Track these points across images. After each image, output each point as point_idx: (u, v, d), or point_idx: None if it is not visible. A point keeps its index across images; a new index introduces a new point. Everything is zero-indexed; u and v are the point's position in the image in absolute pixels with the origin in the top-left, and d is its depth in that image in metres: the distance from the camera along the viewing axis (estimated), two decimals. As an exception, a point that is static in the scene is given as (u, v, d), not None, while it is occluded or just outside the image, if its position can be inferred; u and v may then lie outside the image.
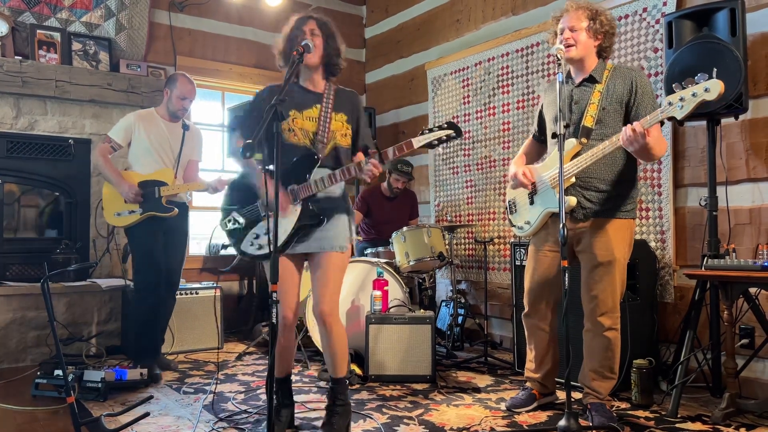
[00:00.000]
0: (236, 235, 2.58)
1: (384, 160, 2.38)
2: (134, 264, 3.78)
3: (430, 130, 2.35)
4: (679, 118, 2.37)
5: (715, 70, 2.31)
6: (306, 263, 2.67)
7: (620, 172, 2.69)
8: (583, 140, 2.64)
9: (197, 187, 3.77)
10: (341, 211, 2.56)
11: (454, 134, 2.35)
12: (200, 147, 3.98)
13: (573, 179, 2.65)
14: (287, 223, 2.46)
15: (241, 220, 2.57)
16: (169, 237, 3.73)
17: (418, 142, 2.35)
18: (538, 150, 3.07)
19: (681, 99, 2.33)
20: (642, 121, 2.42)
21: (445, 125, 2.35)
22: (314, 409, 2.91)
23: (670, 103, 2.35)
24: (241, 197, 2.60)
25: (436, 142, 2.35)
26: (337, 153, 2.54)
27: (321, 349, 3.67)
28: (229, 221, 2.60)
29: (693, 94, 2.30)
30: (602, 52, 2.76)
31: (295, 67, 2.37)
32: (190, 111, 4.99)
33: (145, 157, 3.69)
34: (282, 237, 2.45)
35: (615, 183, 2.68)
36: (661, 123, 2.64)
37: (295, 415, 2.77)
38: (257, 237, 2.53)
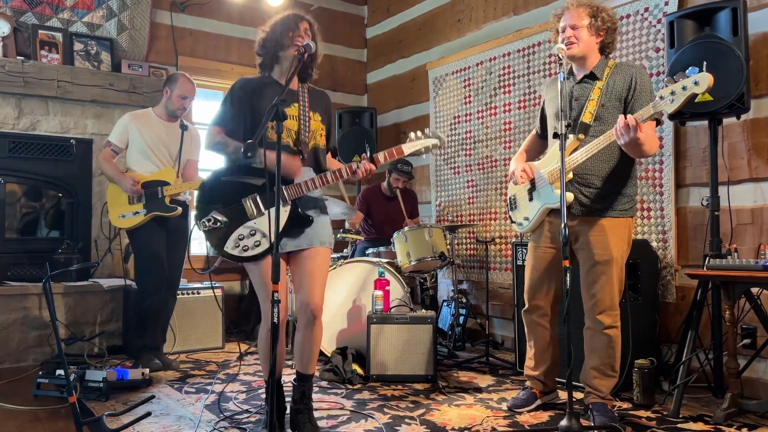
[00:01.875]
0: (217, 235, 2.42)
1: (376, 163, 2.43)
2: (136, 264, 3.80)
3: (417, 138, 2.45)
4: (669, 112, 2.37)
5: (705, 63, 2.32)
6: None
7: (618, 169, 2.69)
8: (581, 136, 2.65)
9: (197, 186, 3.76)
10: (323, 210, 2.59)
11: (438, 143, 2.47)
12: (198, 147, 4.00)
13: (571, 175, 2.64)
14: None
15: (224, 219, 2.41)
16: (171, 237, 3.76)
17: (408, 148, 2.44)
18: (540, 146, 3.08)
19: (672, 93, 2.33)
20: (636, 115, 2.42)
21: (430, 133, 2.45)
22: (316, 409, 2.90)
23: (661, 97, 2.36)
24: (222, 195, 2.44)
25: (423, 150, 2.45)
26: (317, 153, 2.54)
27: (322, 348, 3.69)
28: (209, 220, 2.40)
29: (683, 88, 2.31)
30: (605, 49, 2.76)
31: (296, 67, 2.37)
32: (191, 110, 5.04)
33: (142, 158, 3.70)
34: (270, 237, 2.40)
35: (612, 179, 2.68)
36: (658, 123, 2.64)
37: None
38: (242, 238, 2.40)
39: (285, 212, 2.39)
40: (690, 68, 2.33)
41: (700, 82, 2.27)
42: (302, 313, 2.47)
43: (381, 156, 2.41)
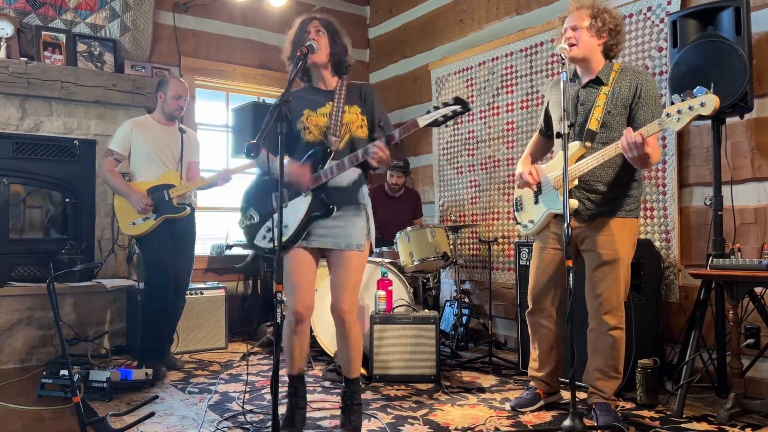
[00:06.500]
0: (252, 231, 2.61)
1: (390, 142, 2.36)
2: (144, 268, 3.81)
3: (436, 108, 2.31)
4: (675, 130, 2.39)
5: (713, 84, 2.33)
6: (323, 260, 2.65)
7: (623, 174, 2.68)
8: (587, 143, 2.64)
9: (203, 183, 3.80)
10: (358, 208, 2.54)
11: (460, 109, 2.28)
12: (198, 149, 4.03)
13: (576, 181, 2.65)
14: (297, 213, 2.48)
15: (256, 215, 2.60)
16: (179, 239, 3.75)
17: (423, 120, 2.32)
18: (544, 146, 3.07)
19: (678, 111, 2.35)
20: (642, 131, 2.42)
21: (451, 101, 2.30)
22: (319, 409, 2.91)
23: (668, 115, 2.37)
24: (257, 194, 2.62)
25: (441, 119, 2.30)
26: (354, 145, 2.51)
27: (324, 348, 3.69)
28: (247, 218, 2.63)
29: (690, 108, 2.32)
30: (609, 51, 2.73)
31: (299, 66, 2.38)
32: (194, 111, 5.06)
33: (147, 163, 3.70)
34: (293, 227, 2.47)
35: (618, 185, 2.68)
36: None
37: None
38: (269, 230, 2.55)
39: (306, 200, 2.48)
40: (697, 88, 2.33)
41: (706, 103, 2.28)
42: (334, 318, 2.53)
43: (397, 133, 2.34)
